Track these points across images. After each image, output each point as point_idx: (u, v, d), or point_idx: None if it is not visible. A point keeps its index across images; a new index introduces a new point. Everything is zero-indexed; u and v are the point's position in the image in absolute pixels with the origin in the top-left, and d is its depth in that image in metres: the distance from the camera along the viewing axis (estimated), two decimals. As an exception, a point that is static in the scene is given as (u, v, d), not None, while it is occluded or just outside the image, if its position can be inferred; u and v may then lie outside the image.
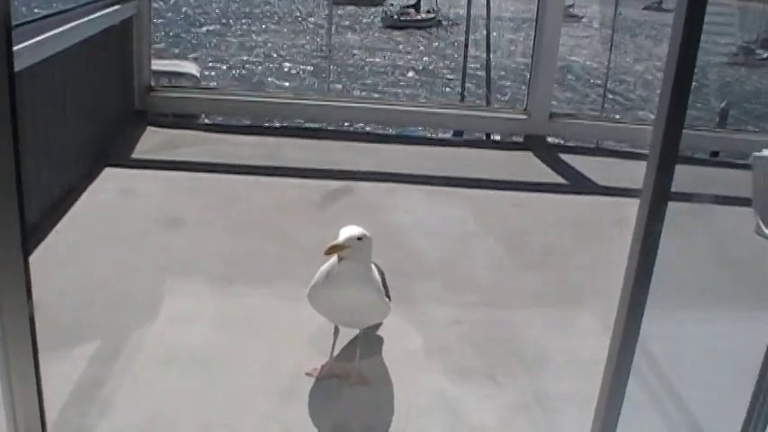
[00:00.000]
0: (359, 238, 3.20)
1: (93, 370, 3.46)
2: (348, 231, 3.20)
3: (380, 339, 3.82)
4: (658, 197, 2.17)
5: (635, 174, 2.44)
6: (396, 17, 35.87)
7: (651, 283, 2.31)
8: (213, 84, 21.69)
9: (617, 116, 14.86)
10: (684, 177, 2.37)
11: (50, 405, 2.76)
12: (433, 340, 3.87)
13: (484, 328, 4.00)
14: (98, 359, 3.54)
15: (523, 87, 7.33)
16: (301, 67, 26.52)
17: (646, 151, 2.23)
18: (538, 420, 3.37)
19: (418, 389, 3.48)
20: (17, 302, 2.47)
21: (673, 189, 2.22)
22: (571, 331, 4.06)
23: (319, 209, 5.18)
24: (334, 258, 3.24)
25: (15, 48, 2.49)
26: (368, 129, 7.96)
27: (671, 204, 2.23)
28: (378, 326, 3.83)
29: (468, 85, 15.77)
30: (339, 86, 22.62)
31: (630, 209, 2.34)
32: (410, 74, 26.91)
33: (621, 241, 2.54)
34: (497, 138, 8.09)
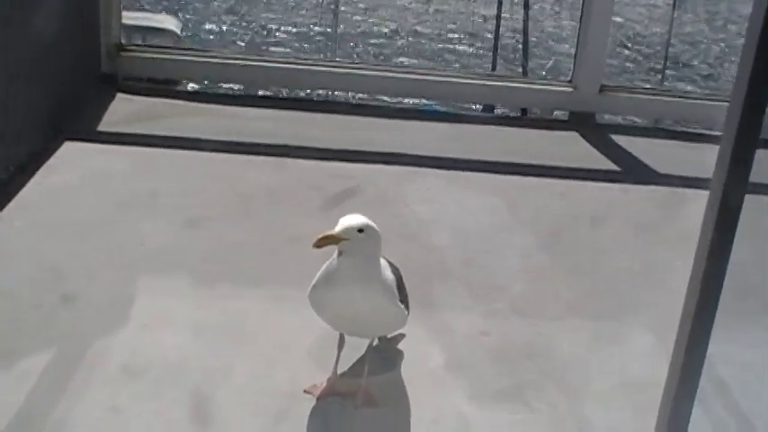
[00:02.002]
0: (359, 230, 3.18)
1: (44, 386, 3.46)
2: (348, 221, 3.18)
3: (394, 352, 3.82)
4: (733, 189, 2.13)
5: (703, 160, 2.40)
6: None
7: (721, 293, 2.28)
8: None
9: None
10: (766, 165, 2.33)
11: (-12, 430, 2.76)
12: (455, 355, 3.86)
13: (516, 342, 3.98)
14: (50, 373, 3.54)
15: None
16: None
17: (718, 132, 2.19)
18: (580, 456, 3.35)
19: (437, 413, 3.48)
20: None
21: (751, 179, 2.18)
22: (621, 348, 4.04)
23: (322, 196, 5.16)
24: (335, 254, 3.23)
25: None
26: (382, 101, 7.91)
27: (748, 198, 2.19)
28: (393, 337, 3.83)
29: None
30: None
31: (696, 202, 2.30)
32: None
33: (684, 242, 2.51)
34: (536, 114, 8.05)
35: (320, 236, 3.13)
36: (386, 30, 24.63)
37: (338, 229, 3.15)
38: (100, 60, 6.53)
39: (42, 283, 4.10)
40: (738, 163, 2.10)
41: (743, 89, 2.01)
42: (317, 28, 22.86)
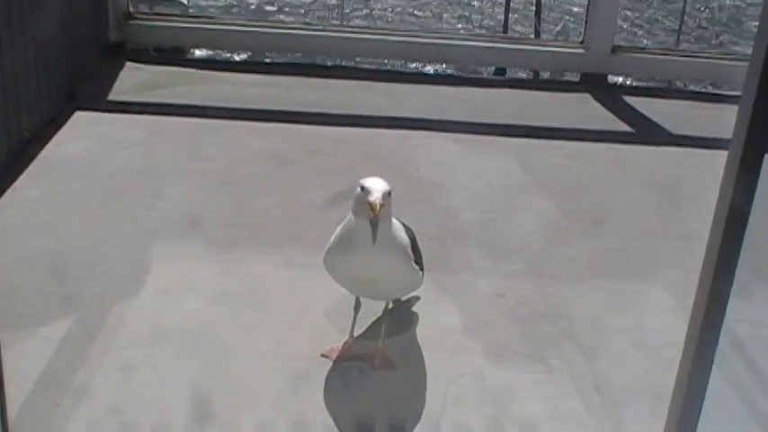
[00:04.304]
0: (388, 193, 3.19)
1: (66, 352, 3.51)
2: (377, 185, 3.17)
3: (411, 315, 3.85)
4: (753, 148, 2.13)
5: (719, 120, 2.41)
6: None
7: (741, 252, 2.29)
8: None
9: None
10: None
11: (13, 394, 2.79)
12: (472, 316, 3.89)
13: (532, 303, 4.02)
14: (71, 339, 3.59)
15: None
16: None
17: (733, 92, 2.19)
18: (598, 414, 3.39)
19: (455, 374, 3.51)
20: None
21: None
22: (638, 308, 4.08)
23: (333, 161, 5.19)
24: (350, 216, 3.26)
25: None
26: (391, 66, 7.91)
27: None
28: (409, 299, 3.86)
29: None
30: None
31: (713, 162, 2.32)
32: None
33: (701, 201, 2.52)
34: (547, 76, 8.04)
35: (375, 210, 3.09)
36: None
37: (377, 195, 3.12)
38: (109, 29, 6.55)
39: (60, 251, 4.15)
40: (759, 121, 2.11)
41: (764, 45, 2.02)
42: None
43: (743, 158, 2.12)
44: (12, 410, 2.76)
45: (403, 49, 7.10)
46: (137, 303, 3.82)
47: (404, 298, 3.81)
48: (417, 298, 3.88)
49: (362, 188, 3.16)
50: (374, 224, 3.11)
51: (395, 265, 3.34)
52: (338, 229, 3.36)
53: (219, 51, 8.35)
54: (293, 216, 4.59)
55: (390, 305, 3.64)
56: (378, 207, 3.09)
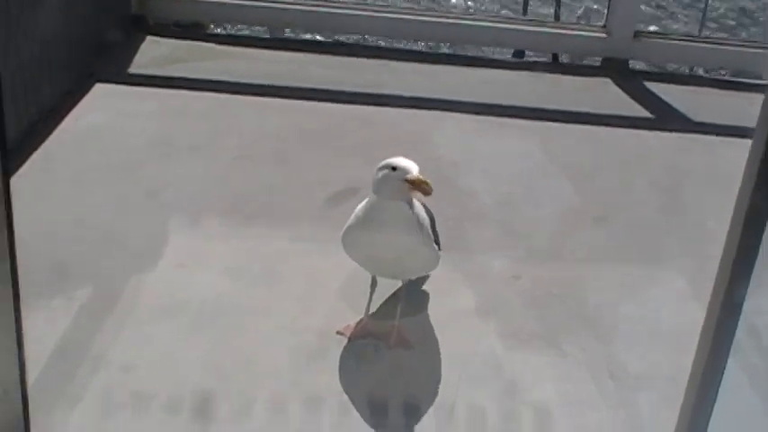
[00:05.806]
0: None
1: (83, 322, 3.55)
2: (408, 163, 3.21)
3: (426, 295, 3.86)
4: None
5: (741, 109, 2.39)
6: None
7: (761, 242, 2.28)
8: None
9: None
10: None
11: (30, 364, 2.81)
12: (487, 298, 3.90)
13: (548, 286, 4.02)
14: (89, 309, 3.63)
15: None
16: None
17: (758, 81, 2.16)
18: (612, 399, 3.40)
19: (470, 354, 3.53)
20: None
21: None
22: (654, 294, 4.06)
23: (352, 139, 5.18)
24: (372, 196, 3.27)
25: None
26: (411, 45, 7.88)
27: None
28: (423, 279, 3.87)
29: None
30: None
31: (733, 150, 2.30)
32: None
33: (721, 188, 2.51)
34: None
35: (427, 184, 3.19)
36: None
37: (416, 171, 3.19)
38: (130, 2, 6.54)
39: (78, 224, 4.17)
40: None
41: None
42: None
43: (767, 149, 2.10)
44: (29, 379, 2.77)
45: (422, 28, 7.08)
46: (153, 276, 3.85)
47: (414, 277, 3.80)
48: (429, 277, 3.88)
49: (394, 168, 3.18)
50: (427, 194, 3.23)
51: (418, 245, 3.35)
52: (358, 209, 3.37)
53: (240, 27, 8.32)
54: (310, 193, 4.59)
55: (405, 283, 3.65)
56: (428, 181, 3.17)
